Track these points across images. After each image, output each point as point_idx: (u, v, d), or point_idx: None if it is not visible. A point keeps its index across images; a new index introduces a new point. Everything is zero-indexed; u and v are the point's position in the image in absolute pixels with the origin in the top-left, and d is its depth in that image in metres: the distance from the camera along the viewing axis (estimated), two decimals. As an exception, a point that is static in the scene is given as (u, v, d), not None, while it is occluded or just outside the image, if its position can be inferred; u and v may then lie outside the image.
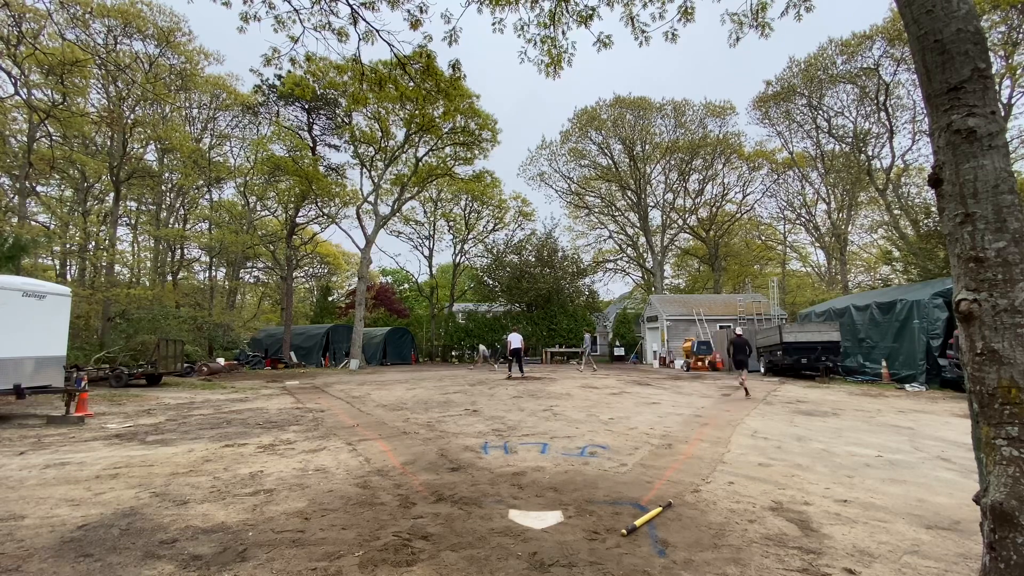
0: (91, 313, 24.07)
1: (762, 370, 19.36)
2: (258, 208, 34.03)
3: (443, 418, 8.81)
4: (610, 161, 39.07)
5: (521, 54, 6.02)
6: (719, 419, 8.65)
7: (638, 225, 40.09)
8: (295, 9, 5.81)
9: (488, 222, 38.41)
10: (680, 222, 40.54)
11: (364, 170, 28.74)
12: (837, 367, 16.96)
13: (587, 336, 24.09)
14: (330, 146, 28.36)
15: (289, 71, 21.81)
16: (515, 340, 18.10)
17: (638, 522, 3.68)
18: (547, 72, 6.07)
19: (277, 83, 23.71)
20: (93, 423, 8.46)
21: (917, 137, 28.92)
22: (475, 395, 12.33)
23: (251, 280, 40.28)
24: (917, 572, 2.99)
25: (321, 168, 27.35)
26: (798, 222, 39.60)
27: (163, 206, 32.18)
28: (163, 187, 30.96)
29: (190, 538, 3.46)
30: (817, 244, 39.04)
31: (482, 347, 28.94)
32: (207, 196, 33.02)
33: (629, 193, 39.41)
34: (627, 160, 38.46)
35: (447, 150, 29.46)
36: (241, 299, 42.99)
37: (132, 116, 25.18)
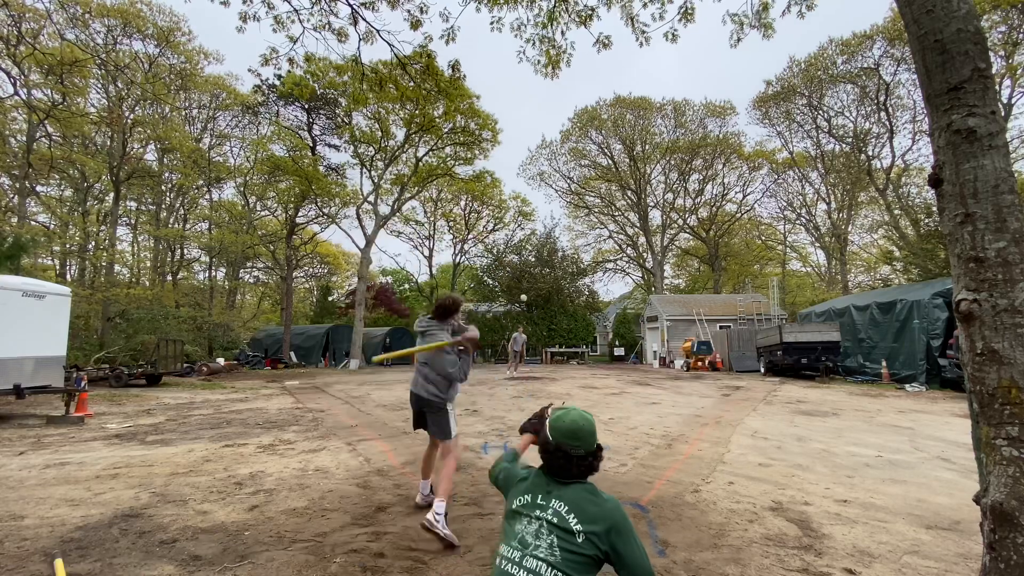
0: (91, 313, 24.06)
1: (762, 370, 19.36)
2: (258, 208, 34.03)
3: (443, 418, 8.79)
4: (610, 161, 39.07)
5: (519, 54, 6.02)
6: (719, 419, 8.65)
7: (638, 225, 40.08)
8: (295, 9, 5.81)
9: (488, 222, 38.45)
10: (680, 222, 40.53)
11: (364, 170, 28.74)
12: (837, 367, 16.95)
13: (516, 335, 19.64)
14: (330, 146, 28.36)
15: (289, 71, 21.82)
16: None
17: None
18: (545, 73, 6.06)
19: (277, 83, 23.71)
20: (93, 423, 8.46)
21: (917, 137, 28.93)
22: (475, 395, 12.33)
23: (251, 280, 40.28)
24: (917, 572, 2.99)
25: (321, 168, 27.35)
26: (798, 222, 39.59)
27: (163, 206, 32.17)
28: (163, 187, 30.95)
29: (190, 538, 3.46)
30: (817, 244, 39.03)
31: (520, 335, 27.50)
32: (207, 196, 33.02)
33: (629, 193, 39.41)
34: (627, 160, 38.46)
35: (447, 150, 29.46)
36: (241, 299, 42.99)
37: (132, 116, 25.18)
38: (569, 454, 1.71)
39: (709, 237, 39.42)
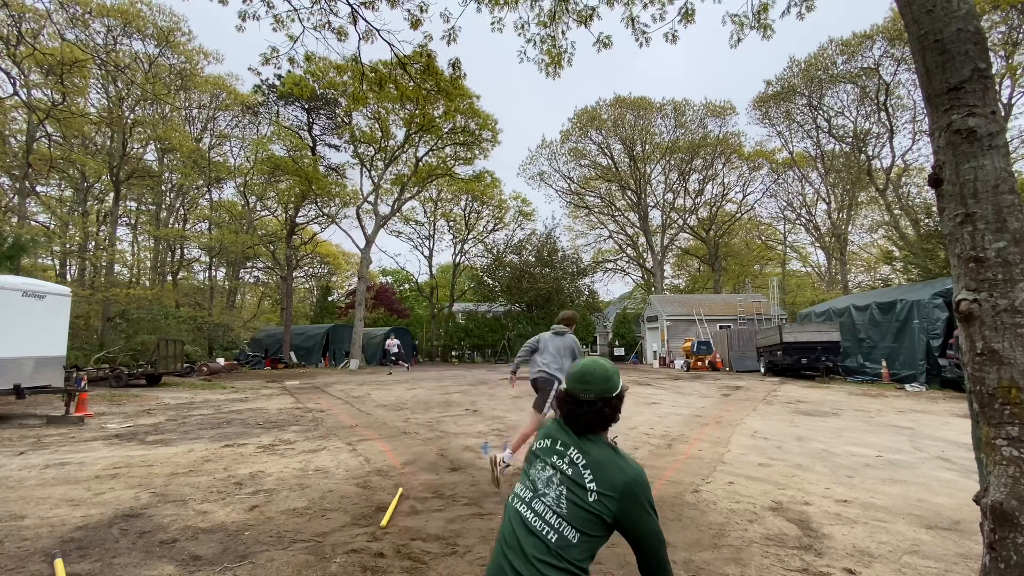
0: (91, 313, 24.07)
1: (762, 370, 19.36)
2: (258, 208, 34.02)
3: (443, 418, 8.81)
4: (610, 161, 39.07)
5: (520, 53, 6.02)
6: (719, 419, 8.65)
7: (638, 225, 40.09)
8: (294, 8, 5.81)
9: (488, 222, 38.46)
10: (680, 222, 40.54)
11: (364, 170, 28.74)
12: (837, 367, 16.95)
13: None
14: (330, 146, 28.37)
15: (289, 71, 21.81)
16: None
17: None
18: (547, 72, 6.06)
19: (277, 83, 23.71)
20: (93, 423, 8.46)
21: (917, 137, 28.94)
22: (475, 395, 12.33)
23: (251, 280, 40.27)
24: (917, 572, 2.99)
25: (321, 168, 27.35)
26: (798, 222, 39.61)
27: (163, 206, 32.17)
28: (163, 187, 30.95)
29: (190, 538, 3.46)
30: (817, 244, 39.04)
31: (393, 342, 23.65)
32: (207, 196, 33.03)
33: (629, 193, 39.41)
34: (627, 160, 38.47)
35: (447, 150, 29.47)
36: (241, 299, 42.97)
37: (132, 116, 25.18)
38: (578, 399, 1.63)
39: (709, 237, 39.42)
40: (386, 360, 22.15)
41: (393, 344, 22.02)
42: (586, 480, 1.53)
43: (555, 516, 1.52)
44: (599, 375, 1.66)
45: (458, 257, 38.62)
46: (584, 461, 1.56)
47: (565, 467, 1.58)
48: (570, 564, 1.48)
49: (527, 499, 1.59)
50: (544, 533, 1.51)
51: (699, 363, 22.50)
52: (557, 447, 1.63)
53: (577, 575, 1.50)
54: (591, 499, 1.51)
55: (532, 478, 1.63)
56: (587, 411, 1.62)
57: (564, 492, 1.54)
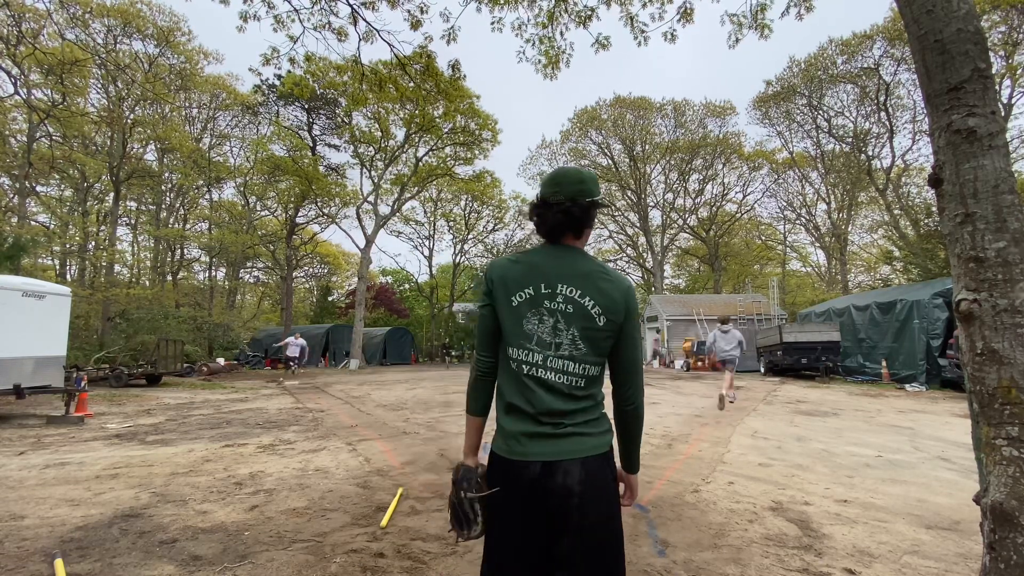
0: (91, 313, 24.06)
1: (762, 370, 19.36)
2: (258, 208, 34.01)
3: (443, 418, 8.80)
4: (610, 161, 39.07)
5: (519, 54, 6.02)
6: (719, 419, 8.65)
7: (638, 225, 40.08)
8: (295, 9, 5.81)
9: (488, 222, 38.45)
10: (680, 222, 40.53)
11: (364, 170, 28.73)
12: (837, 367, 16.95)
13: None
14: (330, 146, 28.37)
15: (289, 71, 21.80)
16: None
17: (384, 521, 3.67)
18: (545, 73, 6.06)
19: (277, 83, 23.71)
20: (93, 423, 8.46)
21: (917, 137, 28.94)
22: (475, 395, 12.32)
23: (251, 280, 40.26)
24: (917, 572, 2.99)
25: (321, 168, 27.35)
26: (798, 222, 39.60)
27: (163, 206, 32.16)
28: (163, 187, 30.94)
29: (190, 538, 3.46)
30: (817, 244, 39.03)
31: (295, 341, 20.27)
32: (207, 196, 33.02)
33: (629, 193, 39.41)
34: (627, 160, 38.47)
35: (447, 150, 29.46)
36: (241, 299, 42.96)
37: (132, 116, 25.17)
38: (547, 202, 1.50)
39: (709, 237, 39.41)
40: (289, 362, 20.46)
41: (296, 345, 19.77)
42: (589, 307, 1.44)
43: (575, 363, 1.43)
44: (572, 177, 1.52)
45: (458, 257, 38.62)
46: (579, 291, 1.45)
47: (563, 306, 1.44)
48: (595, 393, 1.49)
49: (538, 362, 1.44)
50: (571, 383, 1.43)
51: (699, 363, 22.49)
52: (541, 291, 1.46)
53: (600, 399, 1.52)
54: (602, 323, 1.44)
55: (534, 336, 1.45)
56: (555, 211, 1.50)
57: (576, 333, 1.43)
